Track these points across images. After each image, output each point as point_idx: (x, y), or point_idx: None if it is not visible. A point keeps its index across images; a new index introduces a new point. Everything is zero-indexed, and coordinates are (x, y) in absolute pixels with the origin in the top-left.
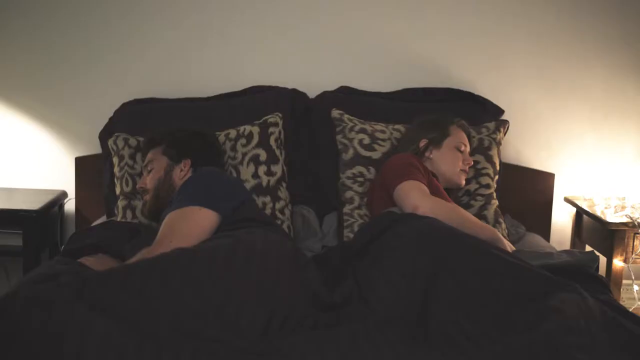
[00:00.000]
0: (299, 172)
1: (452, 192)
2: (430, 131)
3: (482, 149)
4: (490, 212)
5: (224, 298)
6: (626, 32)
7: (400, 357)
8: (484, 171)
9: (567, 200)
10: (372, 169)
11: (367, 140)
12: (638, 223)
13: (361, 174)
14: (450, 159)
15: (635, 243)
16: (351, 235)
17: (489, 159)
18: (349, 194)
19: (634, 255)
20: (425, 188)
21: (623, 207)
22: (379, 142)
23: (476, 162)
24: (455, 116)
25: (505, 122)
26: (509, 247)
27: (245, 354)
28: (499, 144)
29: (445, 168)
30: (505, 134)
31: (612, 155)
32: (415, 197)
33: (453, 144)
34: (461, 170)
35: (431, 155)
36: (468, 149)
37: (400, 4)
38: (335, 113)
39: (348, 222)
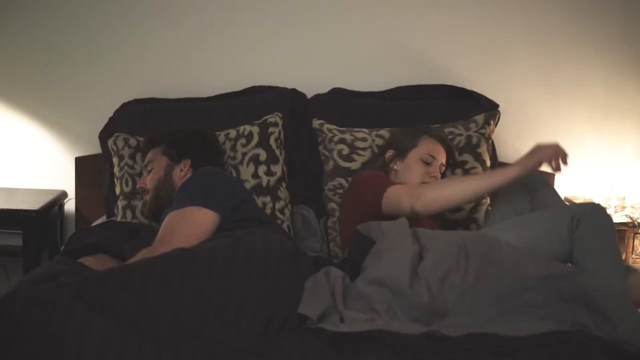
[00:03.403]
0: (299, 172)
1: None
2: (398, 142)
3: (470, 147)
4: (480, 214)
5: (224, 298)
6: (626, 32)
7: (400, 356)
8: (472, 171)
9: (567, 200)
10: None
11: (346, 151)
12: (638, 223)
13: (341, 186)
14: (412, 171)
15: (635, 243)
16: (337, 250)
17: (478, 158)
18: (330, 205)
19: (634, 255)
20: (406, 186)
21: (623, 207)
22: (359, 151)
23: (464, 162)
24: (432, 128)
25: (495, 113)
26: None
27: (245, 354)
28: (488, 139)
29: (406, 180)
30: (496, 126)
31: (612, 155)
32: (406, 195)
33: (417, 156)
34: (424, 182)
35: (396, 167)
36: (439, 160)
37: (400, 3)
38: (316, 124)
39: (332, 235)
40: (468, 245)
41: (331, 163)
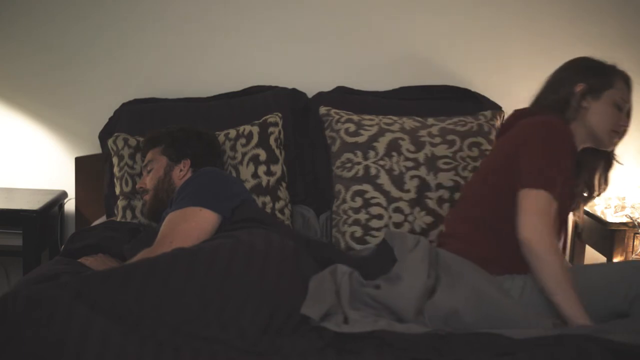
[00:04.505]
0: (299, 172)
1: (598, 160)
2: (591, 76)
3: (483, 133)
4: None
5: (224, 298)
6: (626, 32)
7: (401, 355)
8: (487, 152)
9: None
10: (359, 153)
11: (352, 128)
12: (638, 223)
13: (349, 160)
14: (606, 115)
15: (635, 243)
16: (338, 236)
17: (491, 143)
18: (337, 187)
19: (634, 255)
20: (554, 212)
21: (623, 207)
22: (366, 127)
23: (479, 144)
24: (619, 69)
25: (501, 111)
26: None
27: (245, 354)
28: (497, 130)
29: (596, 124)
30: (501, 123)
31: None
32: (538, 221)
33: (613, 98)
34: (613, 131)
35: (586, 104)
36: (629, 109)
37: (401, 5)
38: (323, 110)
39: (335, 220)
40: (483, 288)
41: (338, 142)
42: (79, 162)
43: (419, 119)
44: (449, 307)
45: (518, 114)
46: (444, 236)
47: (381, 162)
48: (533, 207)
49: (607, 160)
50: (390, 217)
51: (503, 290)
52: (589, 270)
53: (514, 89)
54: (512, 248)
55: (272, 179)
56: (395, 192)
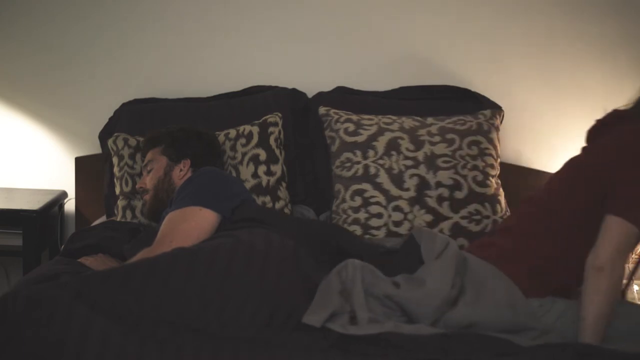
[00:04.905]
0: (299, 172)
1: None
2: None
3: (482, 132)
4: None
5: (224, 298)
6: (626, 32)
7: (406, 357)
8: (487, 151)
9: None
10: (358, 152)
11: (352, 128)
12: None
13: (348, 160)
14: None
15: None
16: None
17: (491, 142)
18: (337, 186)
19: (634, 255)
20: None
21: None
22: (365, 127)
23: (478, 142)
24: None
25: (500, 110)
26: None
27: (246, 352)
28: (497, 129)
29: None
30: (501, 122)
31: None
32: (612, 264)
33: None
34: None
35: None
36: None
37: (401, 6)
38: (322, 110)
39: (335, 219)
40: (505, 307)
41: (337, 142)
42: (79, 162)
43: (419, 118)
44: (468, 321)
45: (618, 114)
46: (501, 227)
47: (380, 161)
48: (617, 240)
49: None
50: (389, 216)
51: (525, 313)
52: (625, 309)
53: (514, 89)
54: (571, 264)
55: (272, 179)
56: (394, 191)
